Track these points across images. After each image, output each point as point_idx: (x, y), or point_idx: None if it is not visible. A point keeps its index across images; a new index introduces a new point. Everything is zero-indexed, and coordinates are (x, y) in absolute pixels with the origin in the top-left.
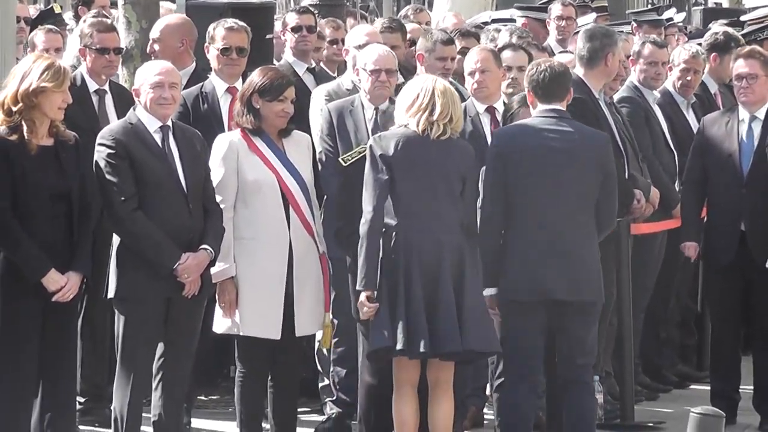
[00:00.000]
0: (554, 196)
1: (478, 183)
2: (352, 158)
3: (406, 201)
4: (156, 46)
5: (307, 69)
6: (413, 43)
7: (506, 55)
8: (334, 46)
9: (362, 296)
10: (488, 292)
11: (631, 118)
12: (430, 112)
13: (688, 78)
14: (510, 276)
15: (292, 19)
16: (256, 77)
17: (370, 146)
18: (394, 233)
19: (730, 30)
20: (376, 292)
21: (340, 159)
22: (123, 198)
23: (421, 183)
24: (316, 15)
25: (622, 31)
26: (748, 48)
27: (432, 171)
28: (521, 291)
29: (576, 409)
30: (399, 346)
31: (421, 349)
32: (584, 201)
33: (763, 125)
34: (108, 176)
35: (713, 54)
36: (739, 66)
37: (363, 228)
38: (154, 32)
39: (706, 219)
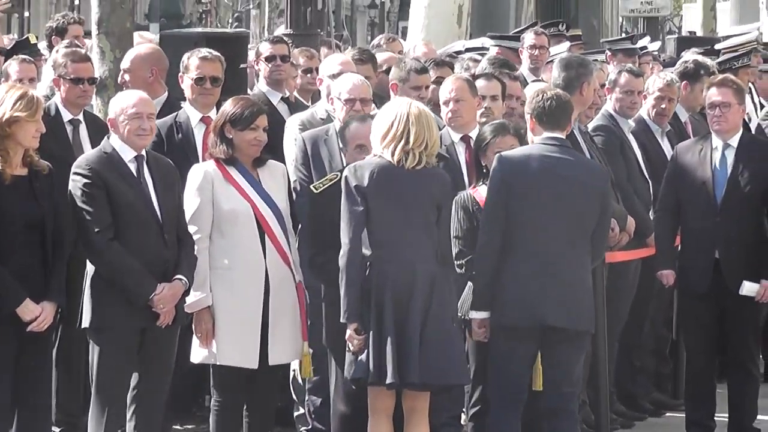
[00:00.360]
0: (554, 222)
1: (451, 211)
2: (324, 185)
3: (380, 231)
4: (126, 77)
5: (282, 98)
6: (387, 71)
7: (480, 84)
8: (308, 75)
9: (349, 330)
10: (479, 315)
11: (605, 147)
12: (405, 141)
13: (663, 106)
14: (506, 300)
15: (266, 48)
16: (227, 107)
17: (346, 177)
18: (368, 263)
19: (700, 58)
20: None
21: (311, 186)
22: (99, 228)
23: (395, 213)
24: (290, 45)
25: (597, 60)
26: (721, 76)
27: (407, 201)
28: (517, 316)
29: None
30: (369, 378)
31: (389, 380)
32: (582, 230)
33: (736, 153)
34: (84, 205)
35: (684, 82)
36: (713, 95)
37: (341, 261)
38: (125, 63)
39: (680, 247)
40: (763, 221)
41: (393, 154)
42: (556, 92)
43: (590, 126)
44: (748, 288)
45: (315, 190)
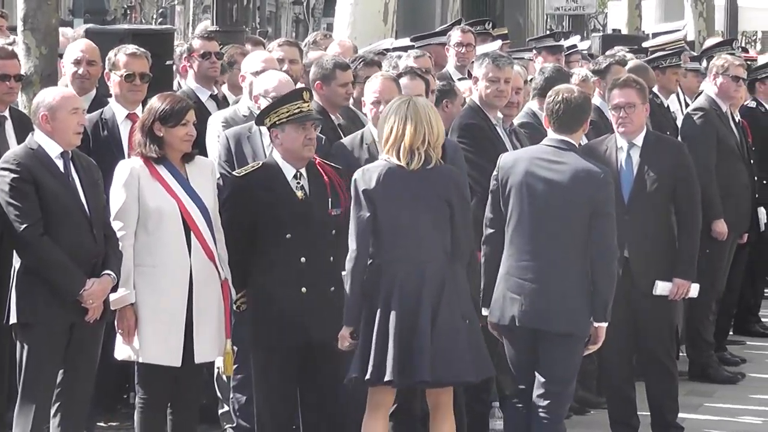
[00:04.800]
0: (537, 224)
1: (468, 206)
2: (246, 171)
3: (389, 233)
4: (82, 68)
5: (210, 95)
6: None
7: (403, 83)
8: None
9: (344, 330)
10: (485, 312)
11: (530, 142)
12: (405, 143)
13: None
14: (494, 299)
15: (199, 44)
16: (155, 104)
17: (355, 180)
18: (378, 265)
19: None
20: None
21: (234, 172)
22: (29, 223)
23: (403, 214)
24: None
25: (523, 58)
26: (623, 77)
27: (415, 201)
28: (498, 315)
29: None
30: (368, 376)
31: (387, 378)
32: (567, 233)
33: (641, 152)
34: (13, 200)
35: (595, 79)
36: (616, 95)
37: (348, 265)
38: (79, 53)
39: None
40: (670, 219)
41: (399, 158)
42: (569, 95)
43: (516, 122)
44: (662, 287)
45: (237, 175)
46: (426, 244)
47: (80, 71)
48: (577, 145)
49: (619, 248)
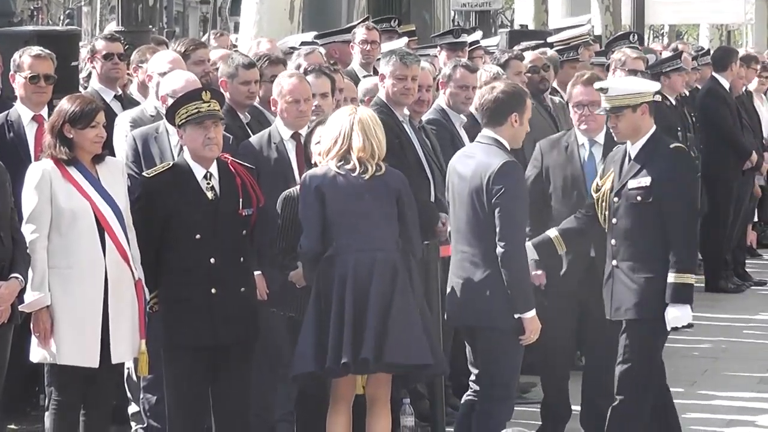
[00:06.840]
0: (456, 220)
1: (416, 206)
2: (156, 171)
3: (338, 225)
4: None
5: (115, 96)
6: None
7: (309, 80)
8: None
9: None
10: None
11: (437, 141)
12: (351, 153)
13: None
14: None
15: (102, 45)
16: (64, 106)
17: (303, 180)
18: (329, 257)
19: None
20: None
21: (143, 173)
22: None
23: (352, 207)
24: (123, 42)
25: (428, 55)
26: (588, 74)
27: (363, 195)
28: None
29: None
30: (328, 363)
31: (343, 360)
32: (477, 226)
33: (604, 150)
34: None
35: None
36: (580, 93)
37: (301, 260)
38: None
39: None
40: None
41: (344, 166)
42: (489, 89)
43: (423, 119)
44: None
45: (147, 176)
46: (376, 235)
47: None
48: (504, 140)
49: (585, 247)
